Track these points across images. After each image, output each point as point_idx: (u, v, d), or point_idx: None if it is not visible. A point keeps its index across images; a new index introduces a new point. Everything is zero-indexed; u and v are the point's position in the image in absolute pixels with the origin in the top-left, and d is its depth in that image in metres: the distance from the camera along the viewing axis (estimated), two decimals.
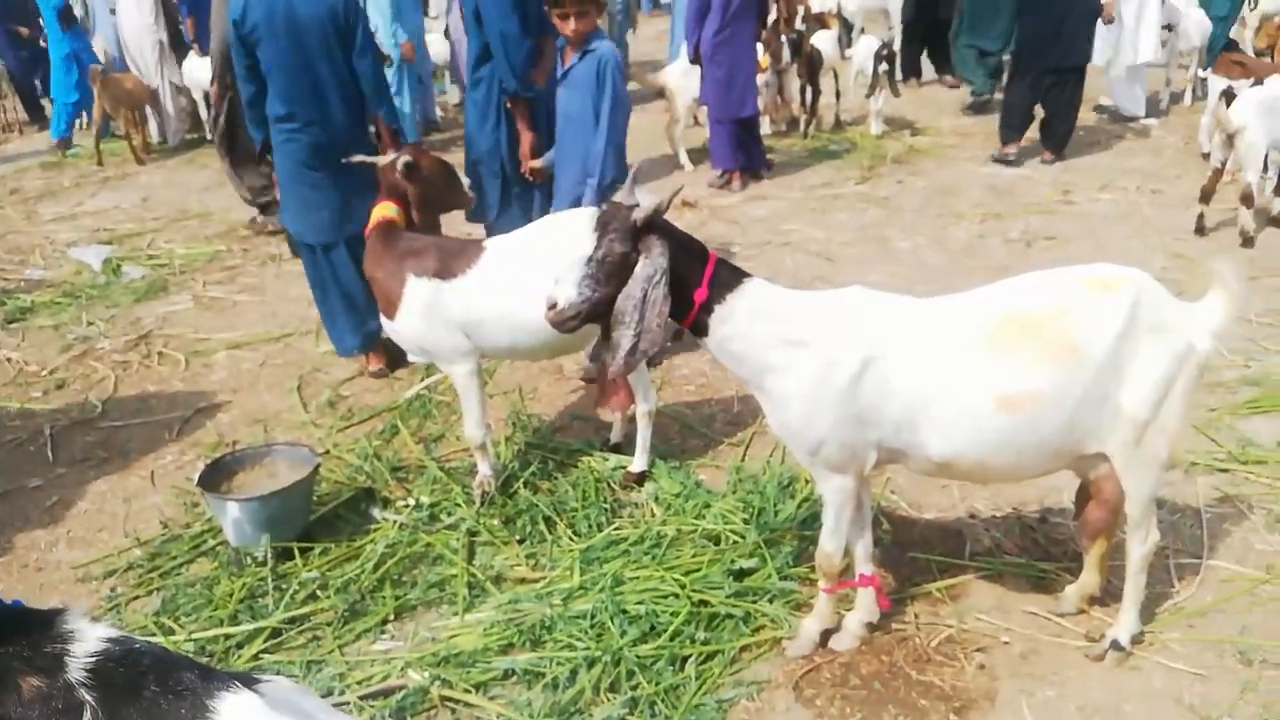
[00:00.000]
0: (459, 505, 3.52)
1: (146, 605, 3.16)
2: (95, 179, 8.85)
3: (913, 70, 10.92)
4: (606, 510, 3.46)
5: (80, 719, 1.17)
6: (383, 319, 3.47)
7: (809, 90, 8.96)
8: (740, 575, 3.03)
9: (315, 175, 4.41)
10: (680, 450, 3.93)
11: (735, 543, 3.18)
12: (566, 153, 4.30)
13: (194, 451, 4.14)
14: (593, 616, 2.84)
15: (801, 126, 9.15)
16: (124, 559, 3.40)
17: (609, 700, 2.59)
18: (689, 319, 2.36)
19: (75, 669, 1.19)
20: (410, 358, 4.58)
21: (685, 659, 2.72)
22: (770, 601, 2.93)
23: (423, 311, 3.27)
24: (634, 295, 2.25)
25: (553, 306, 2.33)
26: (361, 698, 2.64)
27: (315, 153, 4.36)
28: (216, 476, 3.37)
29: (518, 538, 3.35)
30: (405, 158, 3.48)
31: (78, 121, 10.22)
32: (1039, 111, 7.84)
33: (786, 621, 2.84)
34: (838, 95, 9.33)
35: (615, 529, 3.33)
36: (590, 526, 3.36)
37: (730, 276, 2.36)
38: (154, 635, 2.95)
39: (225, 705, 1.07)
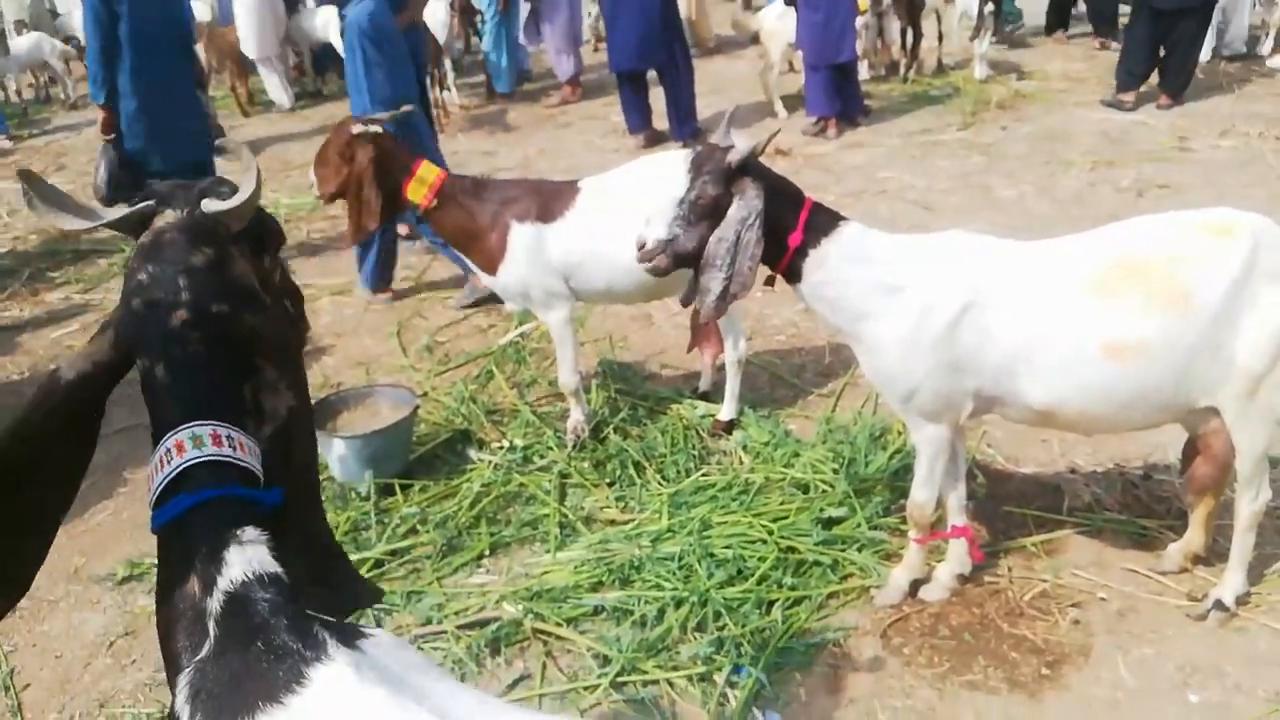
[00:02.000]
0: (551, 448, 3.60)
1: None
2: None
3: (1059, 20, 9.98)
4: (695, 457, 3.49)
5: (202, 645, 1.14)
6: (483, 276, 3.50)
7: (910, 33, 8.66)
8: (829, 524, 3.03)
9: None
10: (770, 400, 3.92)
11: (824, 491, 3.17)
12: None
13: None
14: (680, 558, 2.89)
15: (901, 71, 8.88)
16: None
17: (695, 639, 2.64)
18: (782, 264, 2.34)
19: (217, 596, 1.10)
20: (508, 305, 4.66)
21: (772, 603, 2.75)
22: (859, 550, 2.93)
23: (526, 257, 3.31)
24: (727, 238, 2.25)
25: (641, 246, 2.34)
26: (459, 627, 2.76)
27: None
28: (322, 414, 3.51)
29: (607, 481, 3.41)
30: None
31: None
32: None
33: (875, 570, 2.84)
34: (940, 38, 9.00)
35: (703, 475, 3.36)
36: (679, 472, 3.39)
37: (826, 220, 2.33)
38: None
39: (319, 676, 1.02)
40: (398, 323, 4.92)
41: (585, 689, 2.54)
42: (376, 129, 3.34)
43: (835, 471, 3.24)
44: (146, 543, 3.34)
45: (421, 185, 3.30)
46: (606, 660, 2.60)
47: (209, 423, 1.14)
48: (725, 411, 3.70)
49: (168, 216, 1.23)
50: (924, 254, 2.35)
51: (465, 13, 9.87)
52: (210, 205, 1.23)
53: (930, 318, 2.27)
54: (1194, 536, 2.67)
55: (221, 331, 1.18)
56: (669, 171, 3.04)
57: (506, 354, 4.43)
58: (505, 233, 3.27)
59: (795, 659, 2.58)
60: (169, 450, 1.13)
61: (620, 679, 2.55)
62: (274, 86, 9.94)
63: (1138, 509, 3.04)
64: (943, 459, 2.52)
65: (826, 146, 7.35)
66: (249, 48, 9.50)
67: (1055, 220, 5.51)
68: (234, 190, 1.27)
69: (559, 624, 2.73)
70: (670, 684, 2.53)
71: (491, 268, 3.34)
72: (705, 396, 3.91)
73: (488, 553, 3.12)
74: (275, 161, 8.11)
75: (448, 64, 9.27)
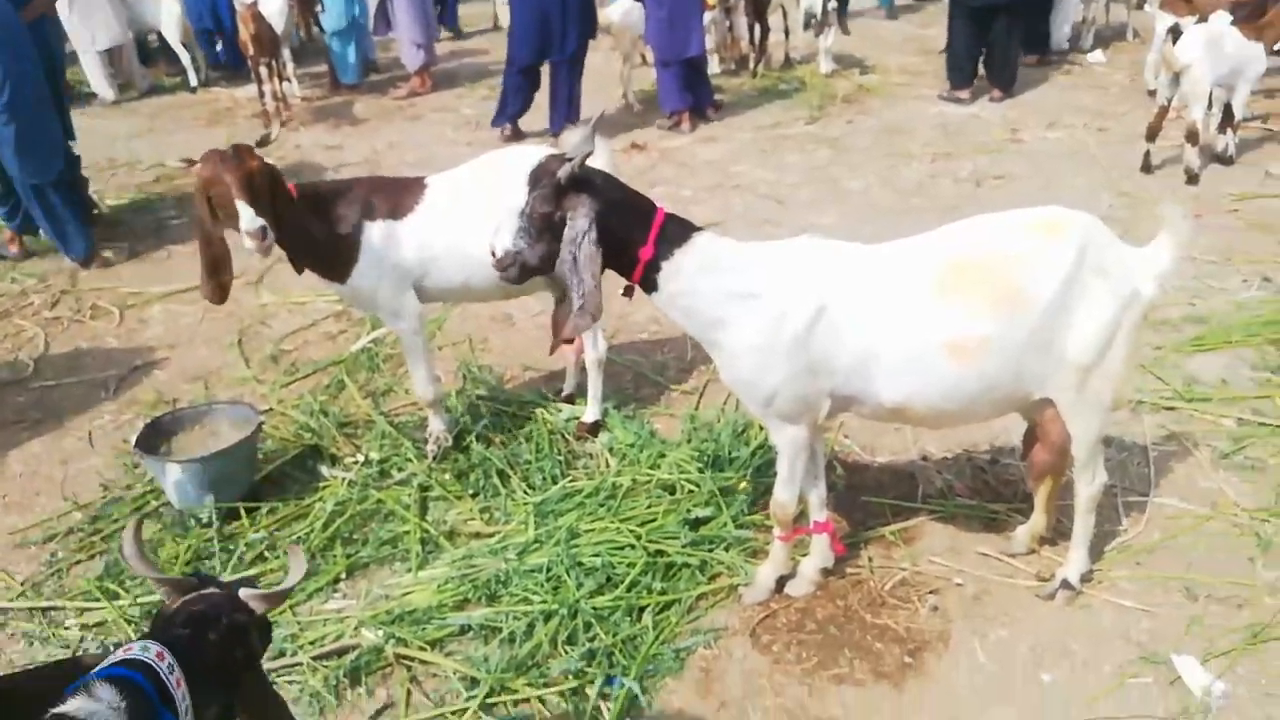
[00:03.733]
0: (410, 460, 3.46)
1: (89, 569, 3.06)
2: None
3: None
4: (561, 462, 3.42)
5: None
6: (331, 286, 3.28)
7: (757, 28, 8.82)
8: (696, 524, 3.02)
9: None
10: (634, 399, 3.90)
11: (691, 491, 3.17)
12: None
13: (132, 410, 4.00)
14: (548, 570, 2.82)
15: (750, 65, 9.02)
16: (63, 523, 3.29)
17: (566, 653, 2.58)
18: (636, 276, 2.30)
19: None
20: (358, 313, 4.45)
21: (642, 609, 2.72)
22: (726, 550, 2.93)
23: (378, 257, 3.14)
24: (565, 260, 2.19)
25: (494, 254, 2.27)
26: (314, 658, 2.60)
27: None
28: (155, 438, 3.26)
29: (471, 492, 3.30)
30: None
31: None
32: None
33: (743, 569, 2.85)
34: (787, 33, 9.20)
35: (570, 481, 3.29)
36: (545, 479, 3.32)
37: (678, 232, 2.30)
38: (98, 600, 2.87)
39: None
40: (238, 331, 4.63)
41: (453, 714, 2.44)
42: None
43: (701, 470, 3.24)
44: None
45: None
46: (475, 682, 2.50)
47: (169, 655, 1.47)
48: (589, 413, 3.65)
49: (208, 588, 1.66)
50: (776, 260, 2.35)
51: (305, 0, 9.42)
52: (245, 593, 1.64)
53: (785, 323, 2.28)
54: (1038, 519, 2.80)
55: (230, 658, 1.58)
56: (514, 168, 2.98)
57: (359, 361, 4.24)
58: (356, 233, 3.10)
59: (667, 665, 2.56)
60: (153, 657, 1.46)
61: (490, 700, 2.46)
62: (96, 78, 9.22)
63: (987, 494, 3.18)
64: (803, 458, 2.55)
65: (681, 140, 7.39)
66: (80, 38, 8.79)
67: (899, 211, 5.72)
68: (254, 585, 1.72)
69: (423, 647, 2.62)
70: (542, 701, 2.47)
71: (343, 274, 3.14)
72: (570, 399, 3.85)
73: (344, 576, 2.96)
74: (100, 158, 7.51)
75: (287, 53, 8.81)
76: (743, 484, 3.18)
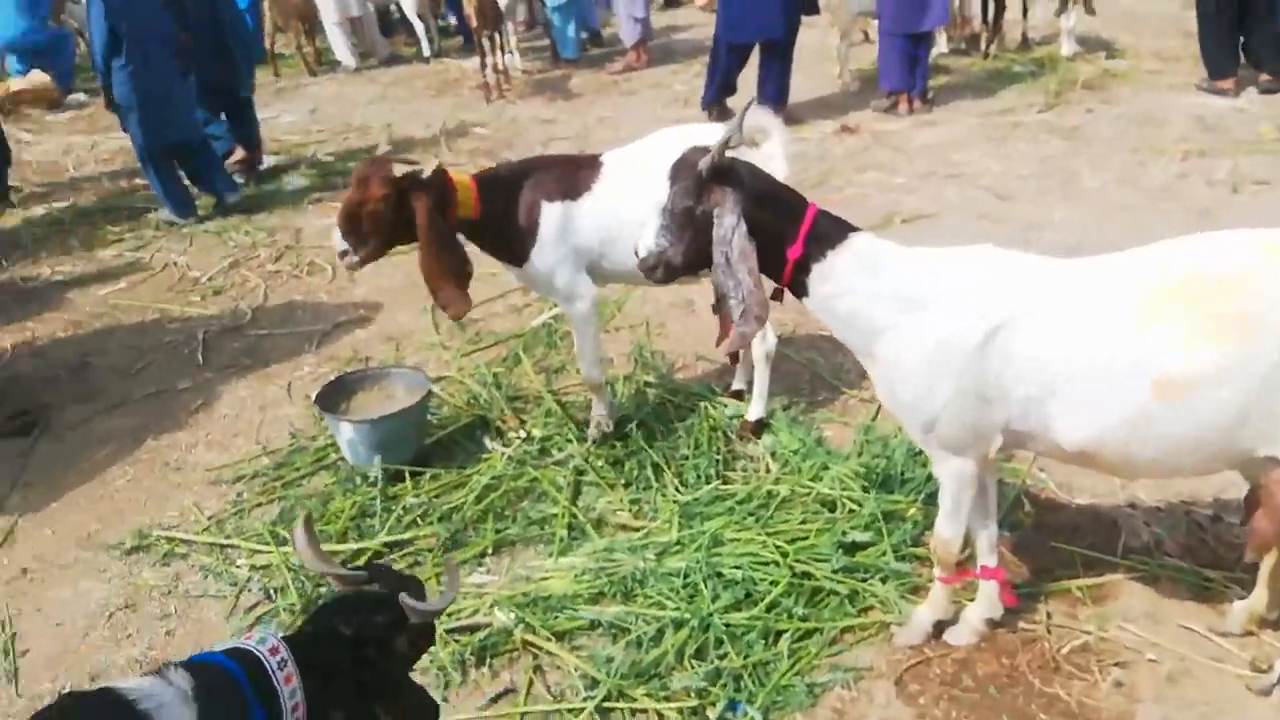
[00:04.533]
0: (570, 441, 3.44)
1: (266, 513, 3.25)
2: (269, 89, 9.16)
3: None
4: (718, 461, 3.28)
5: None
6: (509, 270, 3.29)
7: (991, 4, 8.15)
8: (851, 549, 2.80)
9: None
10: (806, 401, 3.69)
11: (852, 511, 2.94)
12: None
13: (329, 365, 4.23)
14: (686, 576, 2.70)
15: (982, 45, 8.38)
16: (252, 466, 3.52)
17: (692, 668, 2.45)
18: (785, 278, 2.12)
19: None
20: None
21: (780, 634, 2.55)
22: (883, 581, 2.70)
23: (555, 239, 3.10)
24: (718, 262, 2.03)
25: (637, 254, 2.15)
26: (448, 631, 2.62)
27: None
28: (336, 395, 3.41)
29: (624, 481, 3.24)
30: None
31: None
32: None
33: (897, 606, 2.61)
34: (1025, 10, 8.45)
35: (723, 483, 3.15)
36: (699, 477, 3.19)
37: (832, 230, 2.09)
38: (268, 545, 3.04)
39: None
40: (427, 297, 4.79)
41: (569, 711, 2.38)
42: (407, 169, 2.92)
43: (866, 489, 3.01)
44: (159, 514, 3.29)
45: (467, 197, 3.00)
46: (595, 683, 2.43)
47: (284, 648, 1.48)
48: (753, 411, 3.48)
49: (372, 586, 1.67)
50: (947, 269, 2.09)
51: None
52: (405, 602, 1.59)
53: (952, 341, 2.02)
54: (1260, 596, 2.38)
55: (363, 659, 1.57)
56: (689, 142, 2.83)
57: (537, 336, 4.28)
58: (534, 214, 3.07)
59: (798, 699, 2.38)
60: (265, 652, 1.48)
61: (606, 704, 2.38)
62: (340, 47, 9.90)
63: (1203, 555, 2.74)
64: (969, 494, 2.27)
65: (898, 124, 6.97)
66: (328, 8, 9.48)
67: (1142, 212, 5.11)
68: (420, 590, 1.71)
69: (549, 637, 2.58)
70: (660, 715, 2.36)
71: (521, 256, 3.13)
72: (738, 395, 3.69)
73: (490, 550, 2.98)
74: (336, 123, 8.06)
75: (510, 27, 9.07)
76: (912, 509, 2.93)
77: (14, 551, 3.17)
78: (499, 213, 3.05)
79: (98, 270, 5.41)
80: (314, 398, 3.38)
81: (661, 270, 2.19)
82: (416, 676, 2.43)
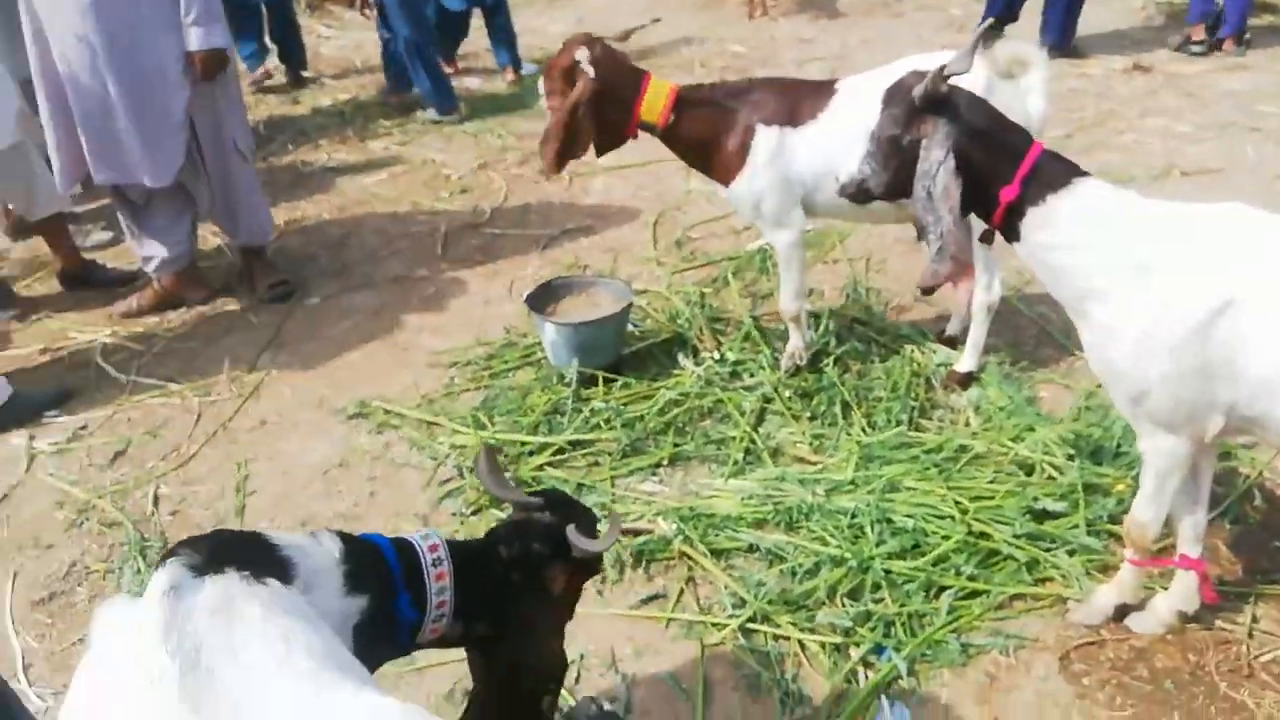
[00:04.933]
0: (763, 369, 3.41)
1: (473, 399, 3.49)
2: None
3: None
4: (913, 408, 3.15)
5: None
6: (717, 188, 3.28)
7: None
8: (1040, 517, 2.61)
9: None
10: (1028, 358, 3.43)
11: (1050, 478, 2.74)
12: None
13: (551, 269, 4.42)
14: (854, 516, 2.64)
15: None
16: (467, 354, 3.77)
17: (843, 606, 2.41)
18: (996, 219, 1.94)
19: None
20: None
21: (942, 589, 2.44)
22: (1069, 555, 2.50)
23: (766, 165, 3.04)
24: (919, 196, 1.90)
25: (837, 178, 2.06)
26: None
27: None
28: (545, 297, 3.56)
29: (809, 415, 3.18)
30: None
31: None
32: None
33: (1080, 582, 2.42)
34: None
35: (914, 430, 3.02)
36: (889, 421, 3.08)
37: (1056, 172, 1.89)
38: (468, 427, 3.27)
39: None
40: (658, 213, 4.86)
41: (714, 625, 2.42)
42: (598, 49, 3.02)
43: (1070, 458, 2.78)
44: (381, 387, 3.62)
45: (654, 105, 3.03)
46: (743, 602, 2.45)
47: (444, 550, 1.55)
48: (963, 362, 3.29)
49: (544, 514, 1.70)
50: (1184, 227, 1.84)
51: None
52: (571, 535, 1.63)
53: (1178, 311, 1.79)
54: None
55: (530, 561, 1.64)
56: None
57: (751, 261, 4.23)
58: (747, 138, 3.01)
59: (949, 656, 2.28)
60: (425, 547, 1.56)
61: (750, 625, 2.40)
62: None
63: None
64: (1176, 477, 2.04)
65: (1199, 66, 6.16)
66: None
67: None
68: (592, 524, 1.74)
69: (706, 554, 2.62)
70: (801, 645, 2.35)
71: (728, 177, 3.10)
72: (951, 342, 3.49)
73: (665, 462, 3.04)
74: (599, 32, 8.21)
75: None
76: (1120, 485, 2.68)
77: (258, 404, 3.61)
78: (703, 130, 3.02)
79: (365, 161, 5.92)
80: (525, 298, 3.55)
81: (865, 198, 2.08)
82: None
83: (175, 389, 3.68)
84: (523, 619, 1.61)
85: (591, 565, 1.77)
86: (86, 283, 4.48)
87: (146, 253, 4.15)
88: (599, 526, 1.78)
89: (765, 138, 2.98)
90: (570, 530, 1.62)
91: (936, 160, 1.87)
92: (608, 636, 2.43)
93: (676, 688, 2.28)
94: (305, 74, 7.41)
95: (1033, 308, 3.71)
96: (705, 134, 3.04)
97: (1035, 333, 3.62)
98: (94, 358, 3.92)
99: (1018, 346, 3.52)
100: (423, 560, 1.50)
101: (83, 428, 3.50)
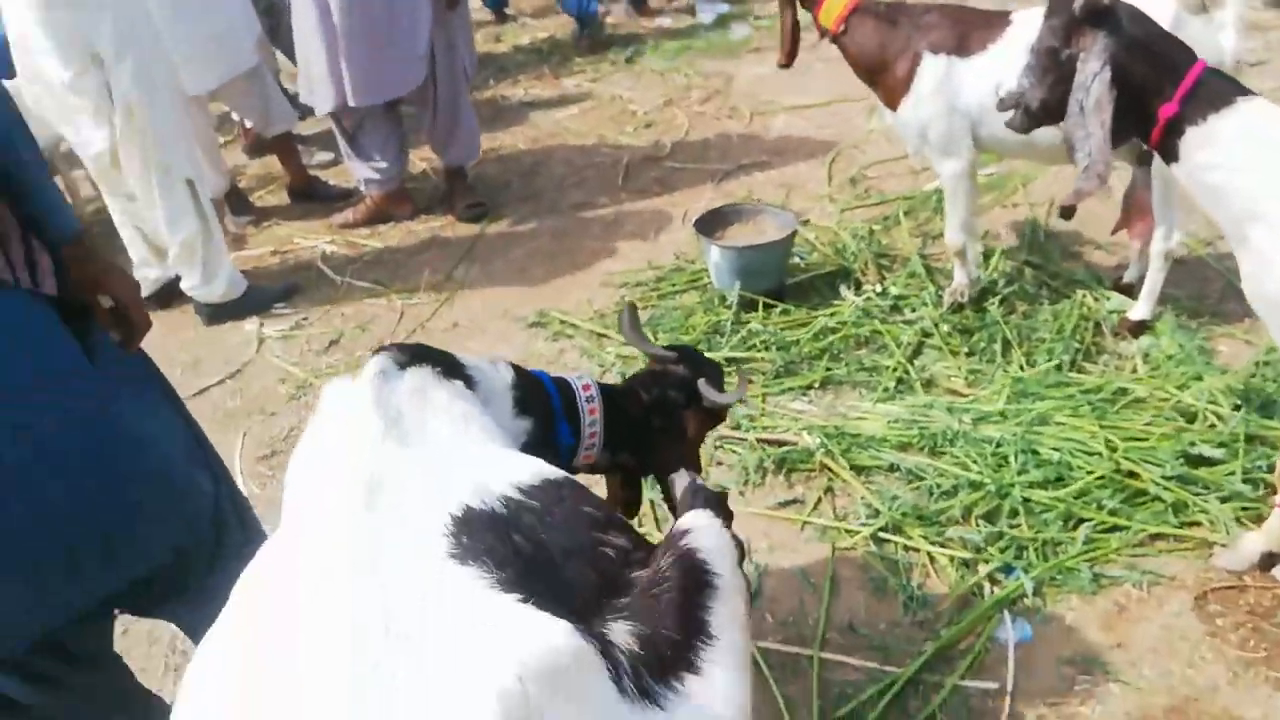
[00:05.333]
0: (925, 305, 3.44)
1: (641, 316, 3.71)
2: None
3: None
4: (1077, 351, 3.11)
5: None
6: (885, 113, 3.32)
7: None
8: (1195, 462, 2.56)
9: None
10: (1210, 311, 3.30)
11: (1211, 426, 2.67)
12: None
13: (724, 200, 4.54)
14: (998, 445, 2.68)
15: None
16: (638, 276, 3.99)
17: (976, 527, 2.48)
18: (1154, 138, 1.93)
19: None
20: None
21: (1082, 522, 2.46)
22: (1222, 501, 2.46)
23: (932, 93, 3.07)
24: (1072, 109, 1.91)
25: (997, 93, 2.09)
26: (759, 439, 2.89)
27: None
28: (714, 223, 3.72)
29: (967, 350, 3.20)
30: None
31: None
32: None
33: (1227, 527, 2.38)
34: None
35: (1075, 372, 3.00)
36: (1050, 361, 3.06)
37: (1219, 91, 1.85)
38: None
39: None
40: (834, 151, 4.89)
41: (847, 531, 2.55)
42: None
43: (1236, 408, 2.69)
44: (559, 301, 3.91)
45: (831, 10, 3.13)
46: (877, 513, 2.57)
47: (596, 390, 1.74)
48: (1137, 309, 3.20)
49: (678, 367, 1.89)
50: None
51: None
52: (703, 387, 1.81)
53: None
54: None
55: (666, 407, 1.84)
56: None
57: (926, 202, 4.22)
58: (914, 63, 3.04)
59: (1079, 583, 2.32)
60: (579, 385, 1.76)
61: (882, 534, 2.51)
62: None
63: None
64: None
65: None
66: None
67: None
68: (720, 380, 1.93)
69: (846, 468, 2.73)
70: (931, 558, 2.44)
71: (893, 101, 3.14)
72: (1127, 289, 3.40)
73: (817, 385, 3.15)
74: None
75: None
76: None
77: (452, 310, 3.97)
78: (871, 48, 3.11)
79: (559, 96, 6.22)
80: (694, 222, 3.72)
81: (1018, 116, 2.12)
82: (722, 471, 2.76)
83: (382, 291, 4.12)
84: (660, 454, 1.81)
85: (718, 414, 1.96)
86: (310, 196, 5.02)
87: (361, 173, 4.61)
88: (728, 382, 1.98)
89: (931, 65, 3.00)
90: (701, 383, 1.81)
91: (1092, 72, 1.88)
92: (744, 531, 2.58)
93: (805, 581, 2.44)
94: (508, 12, 7.80)
95: (1221, 262, 3.53)
96: (873, 52, 3.12)
97: (1221, 286, 3.45)
98: (315, 261, 4.43)
99: (1200, 300, 3.38)
100: (578, 396, 1.71)
101: (304, 319, 3.99)
